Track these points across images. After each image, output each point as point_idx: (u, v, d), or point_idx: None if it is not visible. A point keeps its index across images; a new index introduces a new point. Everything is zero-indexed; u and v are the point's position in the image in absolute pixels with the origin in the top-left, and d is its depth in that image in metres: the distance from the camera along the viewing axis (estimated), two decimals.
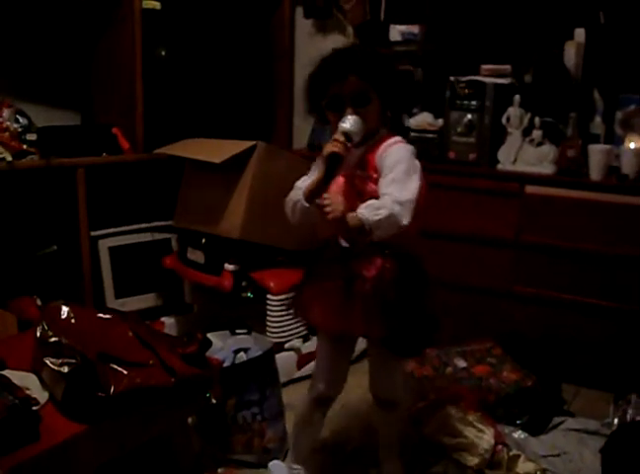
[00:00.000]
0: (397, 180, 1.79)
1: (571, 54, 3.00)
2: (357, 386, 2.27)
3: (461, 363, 2.74)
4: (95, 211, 3.07)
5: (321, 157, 1.79)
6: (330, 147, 1.75)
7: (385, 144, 1.88)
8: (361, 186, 1.88)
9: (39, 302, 2.85)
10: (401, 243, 1.89)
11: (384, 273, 1.87)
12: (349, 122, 1.78)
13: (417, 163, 1.87)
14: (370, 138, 1.89)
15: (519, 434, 2.48)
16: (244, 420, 2.29)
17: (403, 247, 1.90)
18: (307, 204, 1.82)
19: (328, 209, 1.74)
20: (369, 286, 1.85)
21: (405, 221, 1.76)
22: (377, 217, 1.73)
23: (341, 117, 1.81)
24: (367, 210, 1.75)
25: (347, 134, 1.78)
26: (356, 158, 1.88)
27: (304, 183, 1.88)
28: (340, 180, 1.86)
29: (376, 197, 1.81)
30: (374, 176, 1.87)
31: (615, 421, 2.46)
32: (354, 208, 1.78)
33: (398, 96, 1.94)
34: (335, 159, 1.74)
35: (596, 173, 2.83)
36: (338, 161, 1.74)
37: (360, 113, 1.82)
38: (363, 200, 1.81)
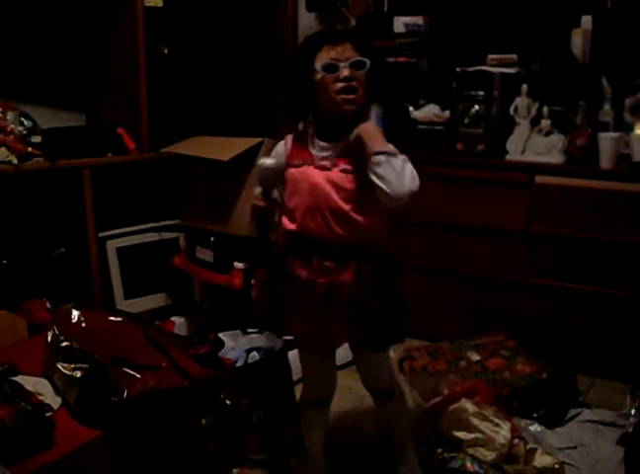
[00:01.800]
0: None
1: (578, 42, 2.98)
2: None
3: (475, 357, 2.72)
4: (102, 212, 3.05)
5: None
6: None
7: None
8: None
9: (48, 305, 2.84)
10: (374, 241, 1.87)
11: (362, 276, 1.84)
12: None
13: None
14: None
15: (535, 428, 2.47)
16: (258, 419, 2.28)
17: (375, 245, 1.88)
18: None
19: None
20: (349, 294, 1.83)
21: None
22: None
23: (335, 79, 1.77)
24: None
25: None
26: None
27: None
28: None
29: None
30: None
31: (633, 411, 2.44)
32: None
33: (380, 77, 1.90)
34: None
35: (606, 161, 2.80)
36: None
37: (356, 76, 1.78)
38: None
